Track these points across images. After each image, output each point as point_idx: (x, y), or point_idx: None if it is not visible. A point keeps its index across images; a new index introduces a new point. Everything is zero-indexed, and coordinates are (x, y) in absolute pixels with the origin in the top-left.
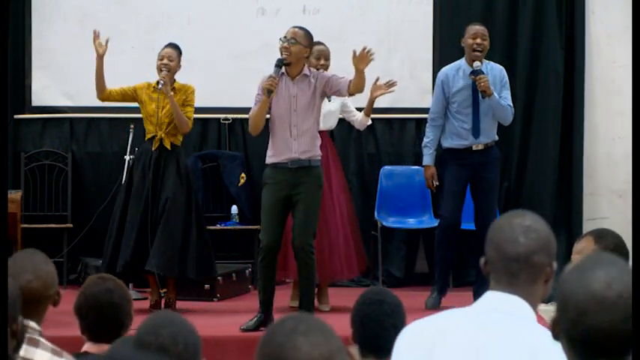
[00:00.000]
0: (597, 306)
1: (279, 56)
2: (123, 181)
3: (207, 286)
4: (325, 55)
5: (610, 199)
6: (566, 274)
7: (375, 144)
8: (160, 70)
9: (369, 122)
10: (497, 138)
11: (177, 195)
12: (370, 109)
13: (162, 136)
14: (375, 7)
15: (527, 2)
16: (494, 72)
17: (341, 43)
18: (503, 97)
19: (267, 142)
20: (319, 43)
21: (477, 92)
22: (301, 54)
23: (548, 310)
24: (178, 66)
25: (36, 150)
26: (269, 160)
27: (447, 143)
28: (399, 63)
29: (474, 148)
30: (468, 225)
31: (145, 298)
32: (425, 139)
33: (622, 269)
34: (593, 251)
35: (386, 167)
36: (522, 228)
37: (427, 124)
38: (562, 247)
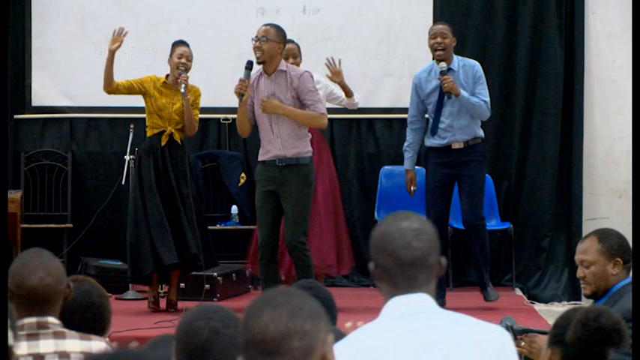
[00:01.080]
0: None
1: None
2: (123, 181)
3: (207, 286)
4: (293, 54)
5: (610, 199)
6: None
7: (375, 144)
8: (177, 67)
9: (357, 100)
10: (479, 135)
11: (192, 189)
12: (347, 90)
13: (173, 130)
14: (375, 7)
15: (527, 2)
16: (467, 68)
17: (341, 43)
18: (478, 93)
19: None
20: (289, 41)
21: (443, 92)
22: (274, 51)
23: (549, 310)
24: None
25: (36, 150)
26: (259, 157)
27: (427, 142)
28: (399, 63)
29: (454, 146)
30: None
31: (145, 298)
32: (405, 143)
33: None
34: (597, 251)
35: (386, 167)
36: (413, 232)
37: (407, 128)
38: (562, 247)
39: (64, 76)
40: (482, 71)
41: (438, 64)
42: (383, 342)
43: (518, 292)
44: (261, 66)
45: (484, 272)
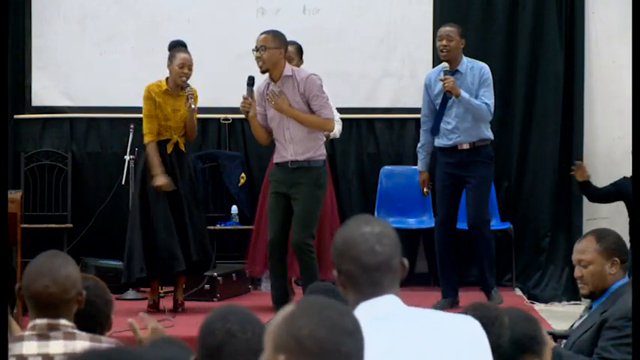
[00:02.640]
0: None
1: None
2: (123, 181)
3: (207, 286)
4: (289, 57)
5: None
6: None
7: (375, 144)
8: (180, 77)
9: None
10: (486, 136)
11: (195, 193)
12: None
13: (178, 139)
14: (375, 7)
15: (527, 2)
16: (474, 71)
17: (341, 43)
18: (481, 95)
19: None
20: (291, 42)
21: (447, 93)
22: (275, 57)
23: (549, 309)
24: None
25: (36, 150)
26: (274, 160)
27: (436, 142)
28: (399, 63)
29: (459, 147)
30: (464, 224)
31: (145, 298)
32: (418, 144)
33: None
34: (595, 250)
35: (386, 167)
36: (375, 236)
37: (420, 128)
38: (562, 247)
39: (64, 76)
40: (489, 74)
41: (450, 67)
42: None
43: (518, 292)
44: (267, 74)
45: (488, 276)
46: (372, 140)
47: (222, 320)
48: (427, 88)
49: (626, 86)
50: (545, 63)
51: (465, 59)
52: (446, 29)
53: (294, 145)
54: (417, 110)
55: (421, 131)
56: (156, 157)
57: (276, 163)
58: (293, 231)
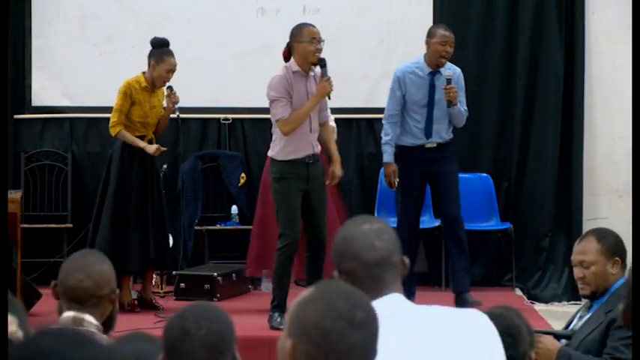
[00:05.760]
0: None
1: (321, 57)
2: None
3: (207, 286)
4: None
5: (610, 199)
6: None
7: (375, 144)
8: (163, 81)
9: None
10: (451, 136)
11: (160, 189)
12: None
13: (152, 136)
14: (375, 7)
15: (527, 2)
16: (455, 76)
17: (341, 43)
18: (460, 102)
19: (268, 142)
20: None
21: (434, 95)
22: None
23: (549, 310)
24: None
25: (36, 150)
26: (287, 156)
27: (400, 141)
28: (399, 63)
29: (427, 146)
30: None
31: None
32: (385, 137)
33: None
34: (597, 251)
35: None
36: (374, 232)
37: (385, 122)
38: (561, 247)
39: (64, 76)
40: (463, 78)
41: (430, 65)
42: None
43: (518, 292)
44: (291, 66)
45: (465, 276)
46: (372, 140)
47: (180, 317)
48: (400, 82)
49: (626, 86)
50: (545, 63)
51: (447, 63)
52: (451, 35)
53: (314, 136)
54: None
55: (388, 124)
56: (131, 136)
57: (295, 160)
58: (321, 227)
